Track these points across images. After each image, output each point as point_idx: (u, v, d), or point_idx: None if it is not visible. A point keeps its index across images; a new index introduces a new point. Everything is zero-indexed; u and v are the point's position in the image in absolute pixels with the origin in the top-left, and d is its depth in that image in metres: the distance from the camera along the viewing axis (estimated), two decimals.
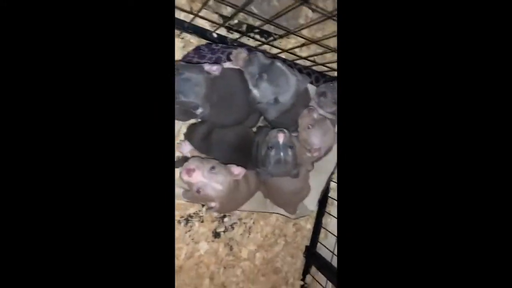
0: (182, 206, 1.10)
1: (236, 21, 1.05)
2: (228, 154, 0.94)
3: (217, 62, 0.90)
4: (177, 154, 0.97)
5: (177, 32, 0.97)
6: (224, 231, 1.19)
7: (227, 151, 0.94)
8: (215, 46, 0.96)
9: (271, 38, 1.13)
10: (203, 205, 1.13)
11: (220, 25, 0.92)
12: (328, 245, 1.31)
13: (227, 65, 0.92)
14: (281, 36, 0.95)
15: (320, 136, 0.94)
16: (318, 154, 0.95)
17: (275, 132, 0.89)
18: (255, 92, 0.85)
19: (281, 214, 1.17)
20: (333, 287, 1.19)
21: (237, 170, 0.82)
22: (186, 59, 0.96)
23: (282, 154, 0.88)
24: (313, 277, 1.35)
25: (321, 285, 1.29)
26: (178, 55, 0.98)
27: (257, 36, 1.10)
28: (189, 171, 0.77)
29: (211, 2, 0.99)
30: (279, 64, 0.83)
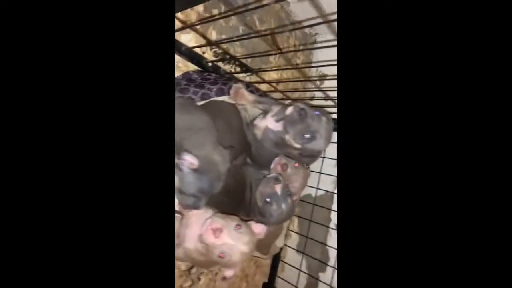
0: None
1: (220, 51, 0.98)
2: (222, 198, 0.82)
3: (218, 93, 0.79)
4: None
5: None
6: (190, 285, 1.01)
7: (221, 196, 0.82)
8: (208, 75, 0.85)
9: (244, 69, 1.11)
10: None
11: (219, 59, 0.83)
12: (287, 278, 1.32)
13: (226, 99, 0.83)
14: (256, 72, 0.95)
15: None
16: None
17: (270, 182, 0.82)
18: (297, 146, 0.79)
19: (255, 257, 1.10)
20: None
21: (259, 229, 0.72)
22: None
23: (283, 206, 0.83)
24: None
25: None
26: None
27: (238, 68, 1.05)
28: (216, 231, 0.63)
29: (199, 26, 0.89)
30: (324, 118, 0.78)
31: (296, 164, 0.93)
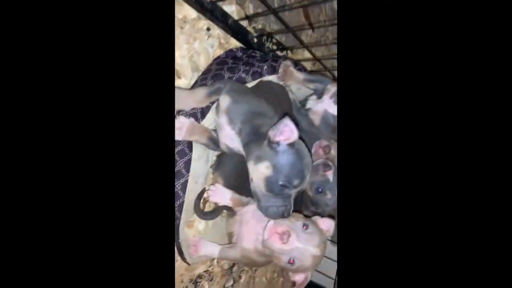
0: (189, 267, 0.78)
1: (260, 26, 0.87)
2: None
3: (269, 71, 0.69)
4: (207, 199, 0.68)
5: (212, 27, 0.70)
6: (232, 284, 0.94)
7: None
8: (253, 52, 0.75)
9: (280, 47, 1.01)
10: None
11: (264, 33, 0.73)
12: (323, 270, 1.26)
13: (274, 78, 0.73)
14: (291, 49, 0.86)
15: None
16: None
17: (319, 170, 0.73)
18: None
19: None
20: None
21: (326, 224, 0.64)
22: (218, 61, 0.71)
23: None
24: None
25: None
26: (206, 56, 0.71)
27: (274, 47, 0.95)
28: (283, 236, 0.55)
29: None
30: None
31: None
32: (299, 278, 0.61)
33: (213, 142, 0.64)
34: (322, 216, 0.68)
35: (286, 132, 0.50)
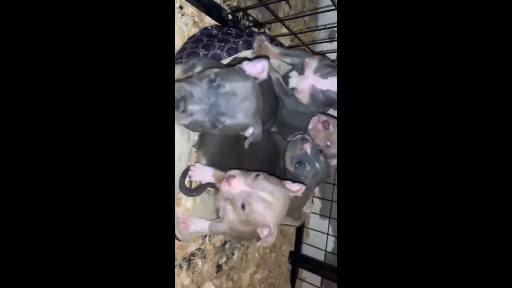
0: (181, 245, 0.80)
1: (235, 3, 0.86)
2: (257, 167, 0.76)
3: (245, 47, 0.70)
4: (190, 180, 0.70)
5: (185, 5, 0.69)
6: (226, 261, 0.97)
7: (256, 164, 0.75)
8: (228, 30, 0.75)
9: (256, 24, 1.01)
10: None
11: (239, 9, 0.73)
12: (313, 244, 1.31)
13: (250, 54, 0.74)
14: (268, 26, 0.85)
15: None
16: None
17: (297, 144, 0.76)
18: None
19: (287, 225, 1.07)
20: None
21: (296, 187, 0.65)
22: (193, 39, 0.70)
23: (317, 165, 0.77)
24: (304, 281, 1.32)
25: (315, 286, 1.28)
26: (181, 35, 0.70)
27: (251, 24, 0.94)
28: (229, 179, 0.59)
29: None
30: None
31: None
32: (265, 231, 0.62)
33: None
34: None
35: (257, 68, 0.56)
